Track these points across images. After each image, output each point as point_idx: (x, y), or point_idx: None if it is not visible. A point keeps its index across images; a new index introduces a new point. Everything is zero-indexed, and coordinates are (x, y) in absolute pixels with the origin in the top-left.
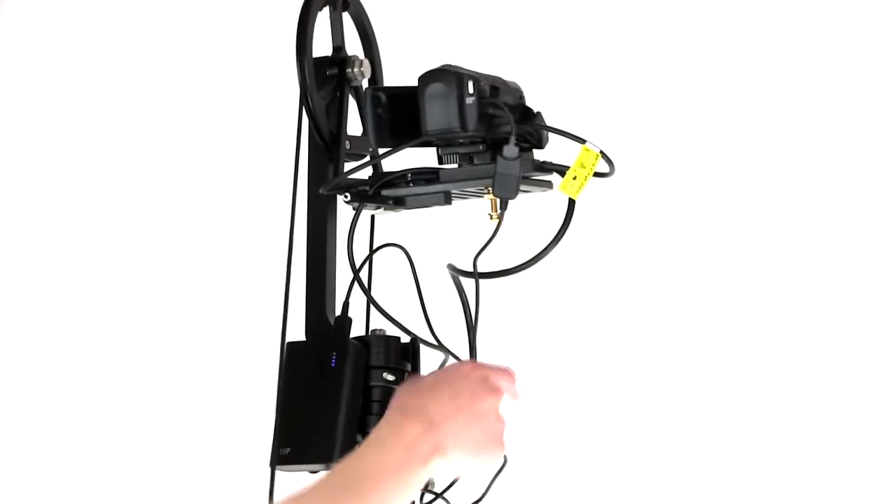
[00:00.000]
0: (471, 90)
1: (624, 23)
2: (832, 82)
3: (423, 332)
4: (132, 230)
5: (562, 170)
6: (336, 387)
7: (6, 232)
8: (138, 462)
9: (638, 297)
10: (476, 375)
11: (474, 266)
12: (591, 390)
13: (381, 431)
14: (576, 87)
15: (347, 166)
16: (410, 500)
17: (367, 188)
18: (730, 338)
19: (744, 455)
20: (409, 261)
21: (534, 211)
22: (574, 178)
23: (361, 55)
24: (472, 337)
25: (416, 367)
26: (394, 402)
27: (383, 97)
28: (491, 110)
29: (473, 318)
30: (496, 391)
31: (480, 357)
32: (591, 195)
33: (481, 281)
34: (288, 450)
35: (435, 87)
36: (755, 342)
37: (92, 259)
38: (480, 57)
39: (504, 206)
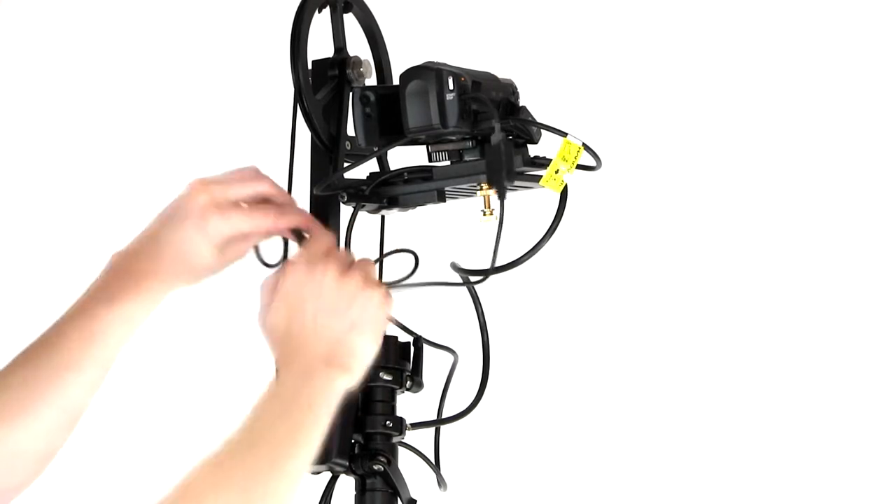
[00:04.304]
0: (451, 86)
1: (624, 22)
2: (823, 73)
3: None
4: (129, 233)
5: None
6: None
7: (5, 231)
8: (136, 465)
9: (633, 290)
10: (331, 270)
11: (455, 267)
12: (587, 387)
13: (277, 379)
14: (581, 84)
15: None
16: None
17: (364, 188)
18: (724, 333)
19: (739, 450)
20: (416, 264)
21: (533, 208)
22: (556, 172)
23: (364, 57)
24: (484, 335)
25: (417, 367)
26: (273, 340)
27: (372, 97)
28: (474, 106)
29: (483, 316)
30: (356, 270)
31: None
32: (588, 189)
33: (475, 279)
34: None
35: (415, 85)
36: (746, 335)
37: (89, 260)
38: (482, 54)
39: (502, 198)
